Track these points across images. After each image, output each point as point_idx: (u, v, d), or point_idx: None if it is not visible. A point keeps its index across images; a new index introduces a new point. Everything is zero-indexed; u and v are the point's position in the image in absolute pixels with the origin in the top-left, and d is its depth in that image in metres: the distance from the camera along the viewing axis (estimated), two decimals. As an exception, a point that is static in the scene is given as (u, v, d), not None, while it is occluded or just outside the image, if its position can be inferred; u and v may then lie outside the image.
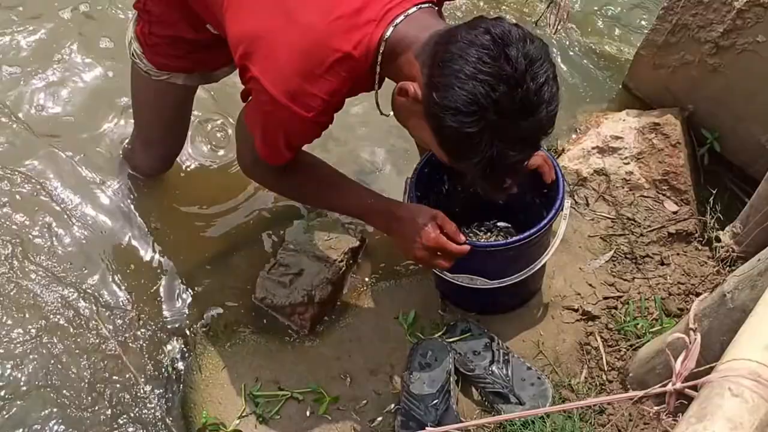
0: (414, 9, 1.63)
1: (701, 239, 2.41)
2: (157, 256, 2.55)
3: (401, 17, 1.62)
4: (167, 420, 2.26)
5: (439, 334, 2.24)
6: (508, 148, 1.52)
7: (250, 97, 1.75)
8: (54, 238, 2.55)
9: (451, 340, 2.19)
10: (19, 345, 2.35)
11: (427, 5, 1.66)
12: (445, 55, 1.50)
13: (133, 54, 2.14)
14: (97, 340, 2.38)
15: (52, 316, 2.41)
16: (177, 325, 2.42)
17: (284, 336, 2.30)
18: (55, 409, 2.27)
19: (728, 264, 2.32)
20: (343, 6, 1.61)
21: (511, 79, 1.46)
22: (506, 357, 2.16)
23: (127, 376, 2.33)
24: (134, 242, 2.58)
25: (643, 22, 3.02)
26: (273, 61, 1.63)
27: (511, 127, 1.50)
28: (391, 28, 1.61)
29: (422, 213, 1.91)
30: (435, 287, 2.35)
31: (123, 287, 2.50)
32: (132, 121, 2.52)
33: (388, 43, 1.62)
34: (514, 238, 2.05)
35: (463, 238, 1.92)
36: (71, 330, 2.40)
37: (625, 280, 2.35)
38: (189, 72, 2.16)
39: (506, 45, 1.46)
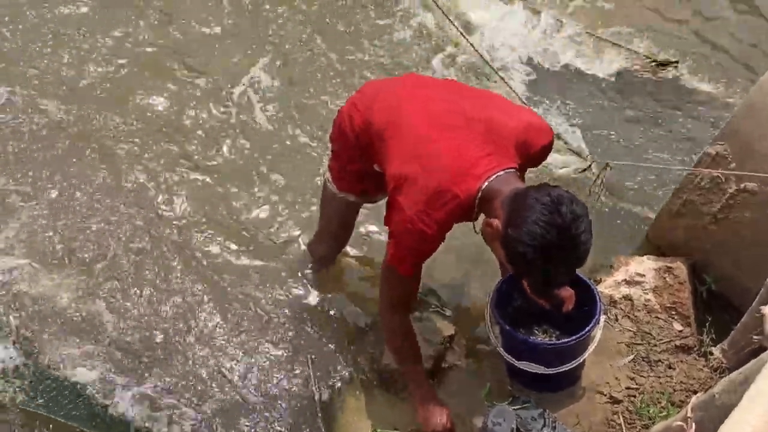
0: (502, 172, 1.77)
1: (699, 352, 2.34)
2: (322, 325, 2.59)
3: (493, 177, 1.76)
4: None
5: (507, 402, 2.15)
6: (555, 271, 1.64)
7: (392, 222, 1.87)
8: (246, 303, 2.62)
9: (515, 407, 2.11)
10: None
11: (512, 170, 1.79)
12: (519, 206, 1.64)
13: (326, 180, 2.27)
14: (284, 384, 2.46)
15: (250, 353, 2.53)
16: (330, 379, 2.45)
17: (400, 392, 2.28)
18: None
19: (718, 372, 2.24)
20: (461, 161, 1.77)
21: (561, 227, 1.58)
22: (554, 424, 2.10)
23: (291, 404, 2.40)
24: (306, 311, 2.60)
25: (659, 192, 2.96)
26: (412, 195, 1.79)
27: (558, 258, 1.61)
28: (486, 183, 1.76)
29: (434, 417, 2.07)
30: (505, 369, 2.29)
31: (297, 341, 2.55)
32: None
33: (483, 192, 1.76)
34: (567, 339, 2.04)
35: None
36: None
37: (642, 376, 2.29)
38: (358, 194, 2.26)
39: (560, 204, 1.59)
